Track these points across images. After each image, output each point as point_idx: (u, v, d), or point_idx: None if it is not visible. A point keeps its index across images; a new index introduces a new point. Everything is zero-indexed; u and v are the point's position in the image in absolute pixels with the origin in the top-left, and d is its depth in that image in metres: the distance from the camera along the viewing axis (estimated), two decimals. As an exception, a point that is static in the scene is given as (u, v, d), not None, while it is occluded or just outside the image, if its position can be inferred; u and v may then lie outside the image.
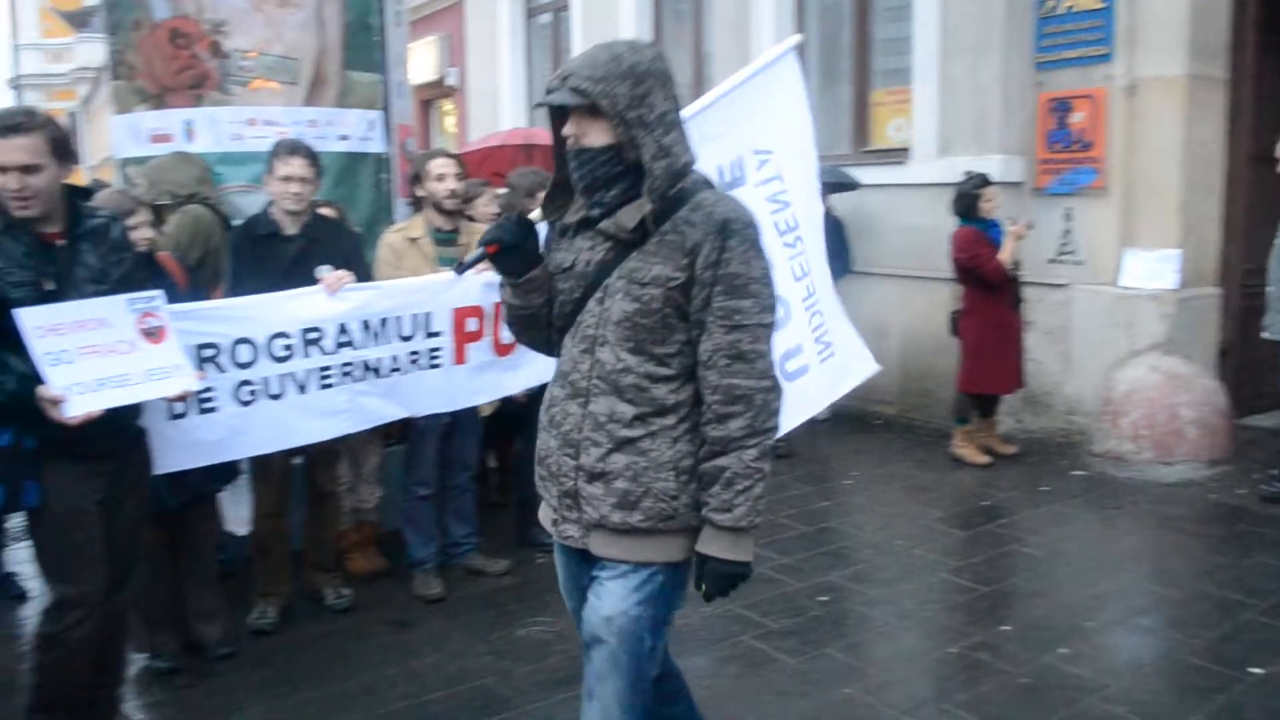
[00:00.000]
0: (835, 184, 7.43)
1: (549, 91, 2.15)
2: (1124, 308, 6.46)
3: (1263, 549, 4.85)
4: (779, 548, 4.93)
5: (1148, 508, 5.51)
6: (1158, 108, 6.52)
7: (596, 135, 2.12)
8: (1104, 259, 6.63)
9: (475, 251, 2.29)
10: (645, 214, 2.10)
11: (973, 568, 4.66)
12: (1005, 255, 6.06)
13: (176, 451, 3.48)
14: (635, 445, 2.15)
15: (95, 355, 2.79)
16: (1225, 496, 5.66)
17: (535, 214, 2.35)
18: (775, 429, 2.16)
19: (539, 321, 2.35)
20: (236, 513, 4.21)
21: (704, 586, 2.19)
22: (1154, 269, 6.42)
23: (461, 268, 2.47)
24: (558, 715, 3.39)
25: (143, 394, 2.94)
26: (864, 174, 7.60)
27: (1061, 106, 6.92)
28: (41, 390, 2.70)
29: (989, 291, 6.13)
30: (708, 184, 2.23)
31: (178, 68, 5.01)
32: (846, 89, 8.39)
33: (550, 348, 2.40)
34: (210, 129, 4.98)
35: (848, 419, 7.42)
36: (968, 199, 6.20)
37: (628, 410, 2.16)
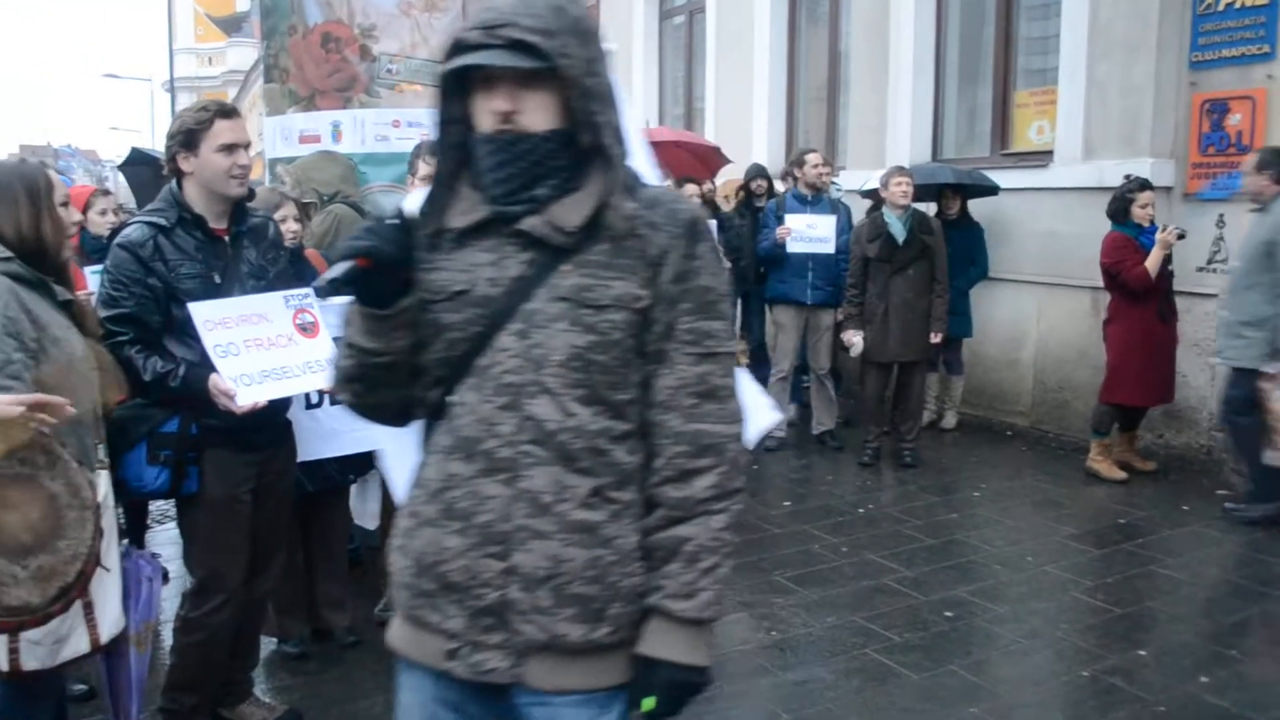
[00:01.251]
0: (974, 186, 7.28)
1: (459, 48, 1.52)
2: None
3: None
4: (904, 559, 4.86)
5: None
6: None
7: (540, 112, 1.53)
8: (1259, 268, 6.31)
9: (339, 266, 1.52)
10: (611, 210, 1.53)
11: (1106, 588, 4.51)
12: (1152, 263, 5.82)
13: (313, 441, 3.58)
14: (596, 532, 1.54)
15: (258, 348, 2.94)
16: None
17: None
18: (743, 490, 1.62)
19: (398, 375, 1.64)
20: (366, 507, 4.33)
21: (652, 703, 1.58)
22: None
23: (323, 289, 1.53)
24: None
25: (301, 386, 3.08)
26: (1003, 178, 7.41)
27: (1218, 108, 6.62)
28: (215, 380, 2.83)
29: (1134, 299, 5.92)
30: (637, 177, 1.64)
31: (328, 71, 5.21)
32: (988, 90, 8.19)
33: (405, 414, 1.71)
34: (356, 130, 5.17)
35: (977, 429, 7.28)
36: (1121, 201, 6.02)
37: (582, 483, 1.54)
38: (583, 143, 1.54)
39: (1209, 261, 6.43)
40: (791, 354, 6.82)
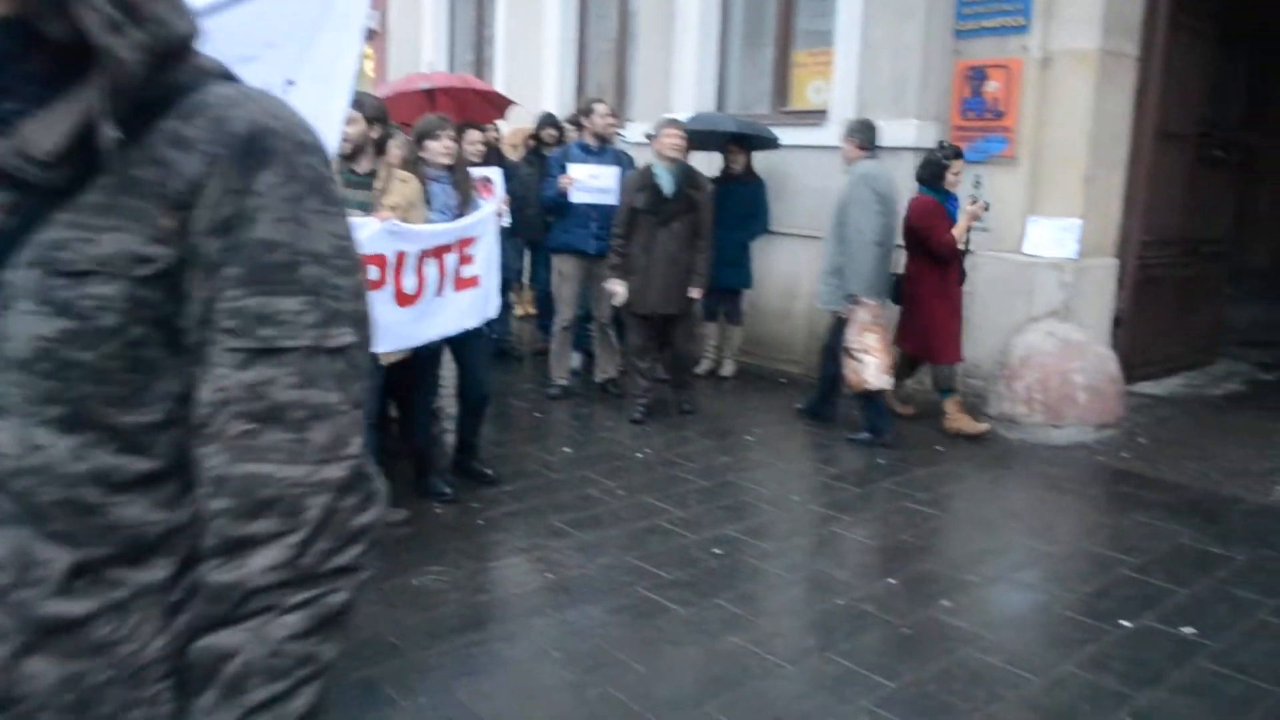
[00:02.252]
0: (757, 139, 7.46)
1: None
2: (1025, 275, 6.62)
3: (1142, 509, 5.06)
4: (677, 501, 5.00)
5: (1036, 469, 5.70)
6: (1070, 81, 6.65)
7: None
8: (1009, 227, 6.77)
9: None
10: (98, 125, 0.92)
11: (864, 523, 4.79)
12: (960, 231, 6.10)
13: None
14: (81, 634, 0.97)
15: None
16: (1110, 459, 5.88)
17: None
18: (357, 569, 1.02)
19: None
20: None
21: None
22: (1056, 238, 6.58)
23: None
24: (446, 664, 3.41)
25: None
26: (783, 135, 7.63)
27: (977, 75, 7.01)
28: None
29: (939, 263, 6.14)
30: (226, 75, 1.05)
31: None
32: (769, 49, 8.40)
33: None
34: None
35: (754, 377, 7.54)
36: (935, 167, 6.17)
37: (59, 555, 0.96)
38: (51, 34, 0.94)
39: (966, 219, 6.86)
40: (573, 303, 6.82)
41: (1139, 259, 7.02)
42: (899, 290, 6.36)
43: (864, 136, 6.16)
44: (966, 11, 7.03)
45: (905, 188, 6.38)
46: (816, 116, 7.71)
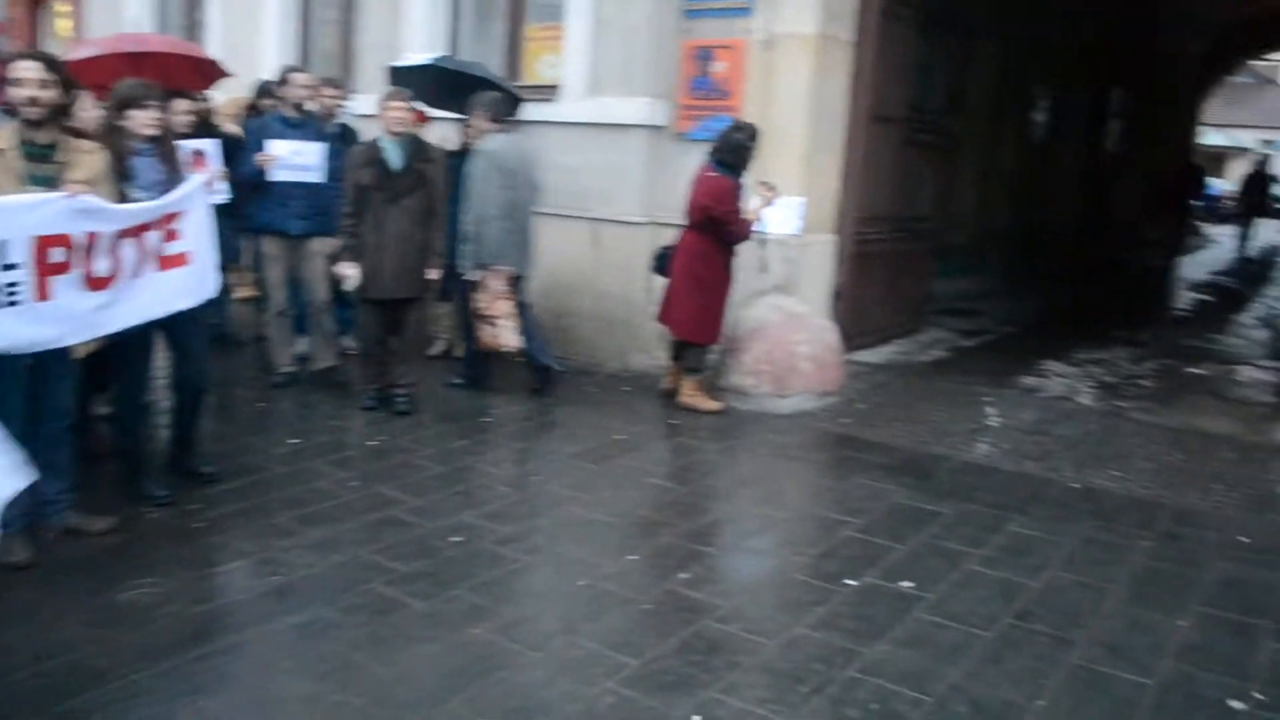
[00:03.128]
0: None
1: None
2: (755, 251, 6.83)
3: (862, 472, 5.34)
4: (412, 489, 4.82)
5: (765, 438, 5.91)
6: (791, 63, 6.90)
7: None
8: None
9: None
10: None
11: (603, 501, 4.79)
12: (752, 214, 6.19)
13: None
14: None
15: None
16: (832, 426, 6.18)
17: None
18: None
19: None
20: None
21: None
22: (781, 215, 6.81)
23: None
24: (164, 686, 3.11)
25: None
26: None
27: (704, 55, 7.16)
28: None
29: (723, 245, 6.18)
30: None
31: None
32: (501, 22, 8.26)
33: None
34: None
35: (488, 356, 7.40)
36: (741, 150, 6.12)
37: None
38: None
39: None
40: (282, 287, 6.40)
41: (855, 235, 7.42)
42: (666, 264, 6.39)
43: (495, 110, 6.18)
44: (694, -9, 7.17)
45: (594, 162, 6.72)
46: (549, 91, 7.65)
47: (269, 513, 4.44)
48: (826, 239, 7.27)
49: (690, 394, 6.37)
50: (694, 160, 7.01)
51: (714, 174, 6.12)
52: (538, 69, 8.02)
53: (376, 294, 5.90)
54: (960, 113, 9.41)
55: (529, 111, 7.48)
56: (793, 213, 6.65)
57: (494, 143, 6.05)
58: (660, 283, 6.55)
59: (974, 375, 7.57)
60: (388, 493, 4.75)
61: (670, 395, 6.51)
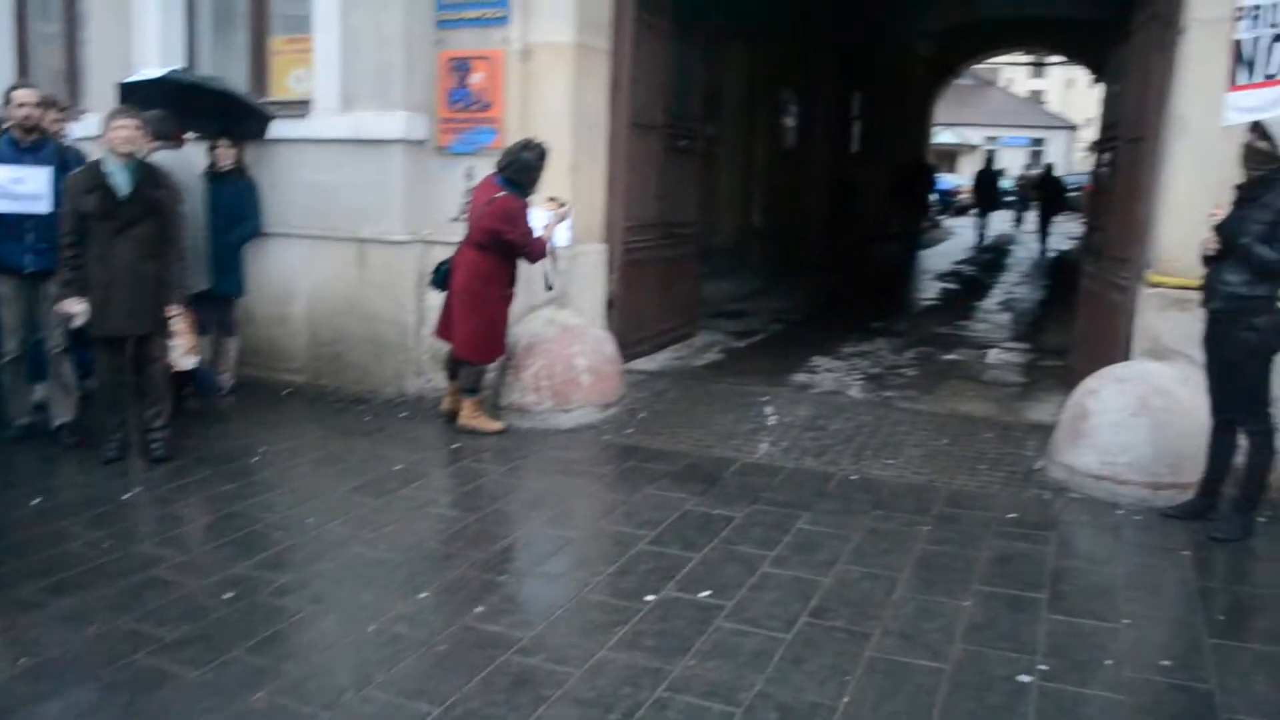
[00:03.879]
0: (244, 133, 6.84)
1: None
2: (523, 264, 6.71)
3: (651, 482, 5.32)
4: (173, 544, 4.42)
5: (550, 455, 5.80)
6: (550, 73, 6.84)
7: None
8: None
9: None
10: None
11: (387, 537, 4.55)
12: (546, 234, 6.05)
13: None
14: None
15: None
16: (617, 437, 6.14)
17: None
18: None
19: None
20: None
21: None
22: (562, 229, 6.73)
23: None
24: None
25: None
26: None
27: (461, 66, 7.00)
28: None
29: (509, 265, 6.05)
30: None
31: None
32: (243, 33, 7.78)
33: None
34: None
35: (255, 390, 6.97)
36: (530, 171, 5.96)
37: None
38: None
39: (461, 213, 6.81)
40: (17, 329, 5.71)
41: (625, 244, 7.43)
42: (445, 279, 6.17)
43: (156, 128, 5.88)
44: (446, 1, 6.98)
45: (353, 180, 6.57)
46: (301, 107, 7.27)
47: (11, 585, 3.96)
48: (597, 249, 7.25)
49: (470, 415, 6.18)
50: (457, 175, 6.86)
51: (502, 194, 5.94)
52: (287, 83, 7.60)
53: (107, 331, 5.37)
54: (716, 118, 9.64)
55: (280, 129, 7.09)
56: (561, 225, 6.58)
57: (156, 159, 5.63)
58: (435, 299, 6.35)
59: (749, 376, 7.73)
60: (147, 550, 4.33)
61: (450, 418, 6.30)
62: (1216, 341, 4.81)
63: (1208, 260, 4.76)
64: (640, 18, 7.34)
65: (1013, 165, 38.70)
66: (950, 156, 44.98)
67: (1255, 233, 4.53)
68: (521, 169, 5.96)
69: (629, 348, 7.44)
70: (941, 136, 40.22)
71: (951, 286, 14.68)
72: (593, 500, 5.28)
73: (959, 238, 23.18)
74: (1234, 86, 4.54)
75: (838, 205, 16.11)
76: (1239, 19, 4.54)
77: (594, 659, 3.49)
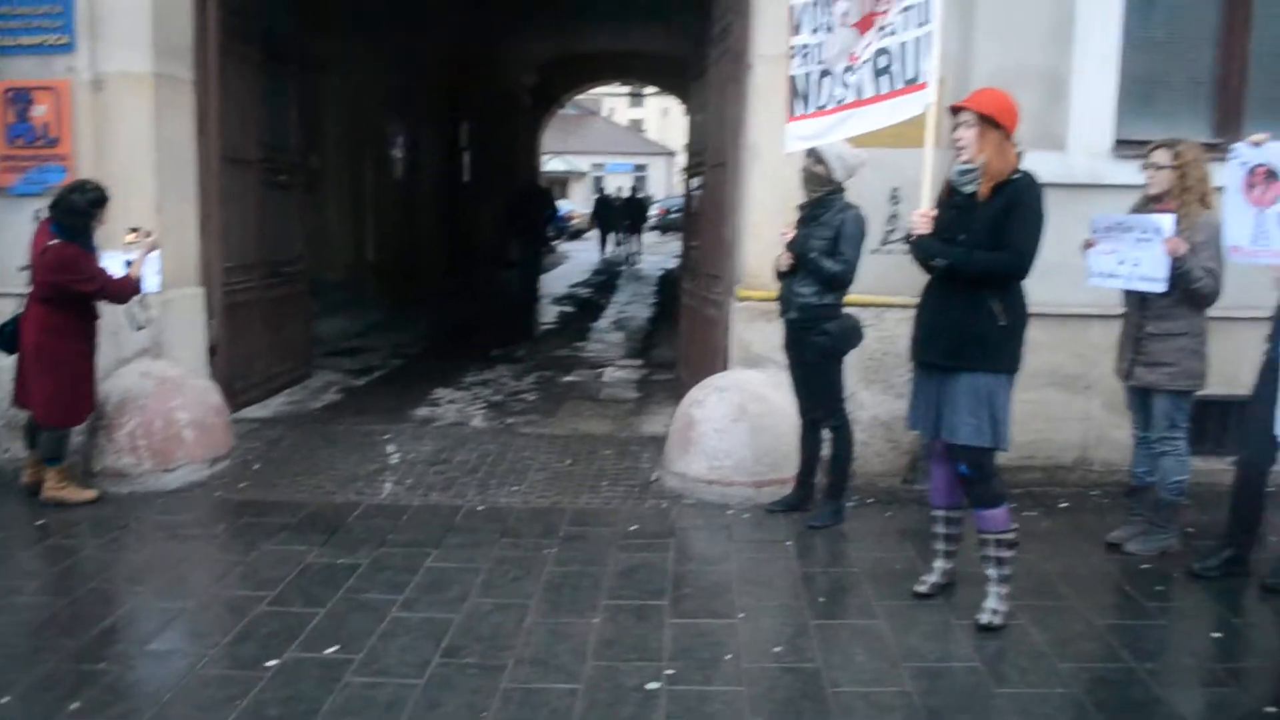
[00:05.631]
0: None
1: None
2: (112, 314, 6.12)
3: (268, 538, 5.02)
4: None
5: (154, 520, 5.33)
6: (127, 104, 6.33)
7: None
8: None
9: None
10: None
11: (-44, 636, 3.96)
12: (135, 271, 5.55)
13: None
14: None
15: None
16: (229, 493, 5.75)
17: None
18: None
19: None
20: None
21: None
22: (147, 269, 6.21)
23: None
24: None
25: None
26: None
27: (21, 98, 6.32)
28: None
29: (81, 316, 5.51)
30: None
31: None
32: None
33: None
34: None
35: None
36: (81, 217, 5.42)
37: None
38: None
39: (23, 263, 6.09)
40: None
41: (224, 285, 7.00)
42: (13, 340, 5.53)
43: None
44: (2, 26, 6.26)
45: None
46: None
47: None
48: (193, 292, 6.77)
49: (55, 486, 5.53)
50: (23, 218, 6.15)
51: (55, 241, 5.38)
52: None
53: None
54: (319, 151, 9.35)
55: None
56: (148, 268, 6.08)
57: None
58: (8, 362, 5.66)
59: (369, 414, 7.54)
60: None
61: (33, 491, 5.62)
62: (796, 348, 5.30)
63: (782, 275, 5.23)
64: (228, 46, 6.96)
65: (624, 190, 40.78)
66: (561, 183, 46.63)
67: (819, 248, 5.04)
68: (68, 212, 5.43)
69: (238, 396, 7.02)
70: (551, 164, 41.62)
71: (568, 309, 15.16)
72: (205, 565, 4.89)
73: (575, 261, 24.03)
74: (792, 117, 5.01)
75: (453, 235, 16.17)
76: (793, 56, 5.02)
77: (210, 739, 3.23)
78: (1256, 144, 3.73)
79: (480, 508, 5.48)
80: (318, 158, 9.37)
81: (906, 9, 4.32)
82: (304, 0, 8.48)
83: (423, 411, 7.71)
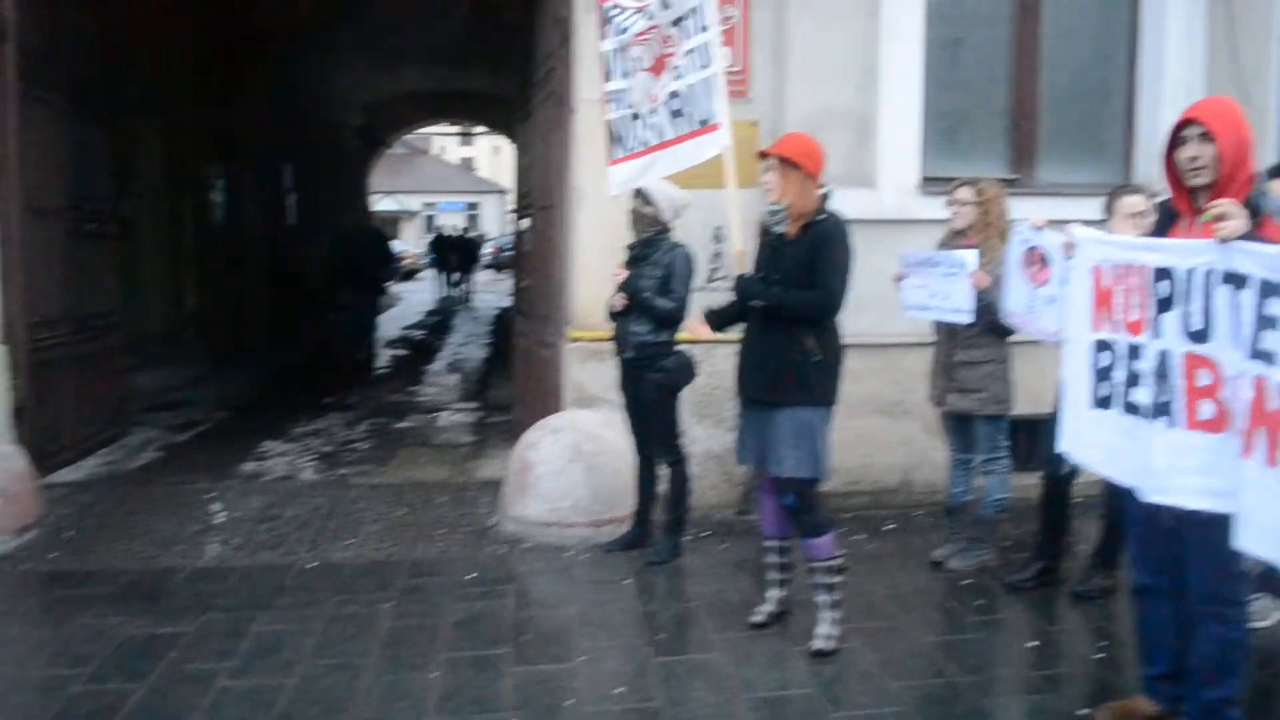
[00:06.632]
0: None
1: None
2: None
3: (83, 610, 4.73)
4: None
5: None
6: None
7: None
8: None
9: None
10: None
11: None
12: None
13: None
14: None
15: None
16: (40, 564, 5.40)
17: None
18: None
19: None
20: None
21: None
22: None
23: None
24: None
25: None
26: None
27: None
28: None
29: None
30: None
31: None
32: None
33: None
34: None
35: None
36: None
37: None
38: None
39: None
40: None
41: (30, 343, 6.61)
42: None
43: None
44: None
45: None
46: None
47: None
48: (-4, 352, 6.38)
49: None
50: None
51: None
52: None
53: None
54: (131, 198, 8.96)
55: None
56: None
57: None
58: None
59: (192, 472, 7.22)
60: None
61: None
62: (633, 386, 5.36)
63: (615, 315, 5.30)
64: (26, 93, 6.61)
65: (457, 228, 40.50)
66: (393, 222, 45.93)
67: (651, 287, 5.14)
68: None
69: (47, 459, 6.61)
70: (382, 203, 40.96)
71: (402, 352, 14.92)
72: (12, 644, 4.56)
73: (409, 302, 23.68)
74: (612, 160, 5.11)
75: (280, 280, 15.69)
76: (608, 101, 5.12)
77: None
78: (1037, 228, 3.95)
79: (312, 565, 5.32)
80: (132, 204, 8.96)
81: (690, 51, 4.53)
82: (113, 43, 8.14)
83: (250, 466, 7.43)
